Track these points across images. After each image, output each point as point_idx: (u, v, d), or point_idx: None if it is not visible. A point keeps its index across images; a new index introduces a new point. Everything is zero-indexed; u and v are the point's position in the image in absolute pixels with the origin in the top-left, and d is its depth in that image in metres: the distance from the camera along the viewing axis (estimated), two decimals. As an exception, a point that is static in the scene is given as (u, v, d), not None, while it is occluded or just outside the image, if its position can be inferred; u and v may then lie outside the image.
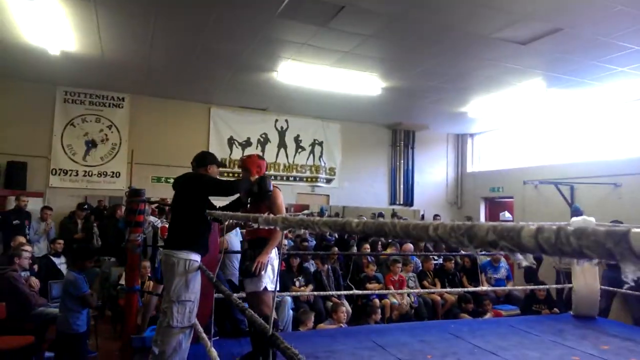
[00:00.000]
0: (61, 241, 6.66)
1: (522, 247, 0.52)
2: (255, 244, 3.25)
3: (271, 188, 3.08)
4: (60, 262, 6.59)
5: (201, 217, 2.83)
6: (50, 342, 4.98)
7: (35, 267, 5.73)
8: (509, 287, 6.94)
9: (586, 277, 5.06)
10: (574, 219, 5.38)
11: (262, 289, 3.14)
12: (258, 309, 3.14)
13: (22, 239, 5.96)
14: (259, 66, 6.72)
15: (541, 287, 6.23)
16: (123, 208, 6.69)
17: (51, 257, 6.47)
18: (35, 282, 5.32)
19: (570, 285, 5.37)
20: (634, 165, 7.64)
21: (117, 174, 8.52)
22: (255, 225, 1.49)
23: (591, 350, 4.00)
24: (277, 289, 3.41)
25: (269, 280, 3.18)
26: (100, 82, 7.95)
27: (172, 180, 3.34)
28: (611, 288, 5.34)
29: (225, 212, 2.38)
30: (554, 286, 6.07)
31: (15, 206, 7.08)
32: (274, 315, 3.44)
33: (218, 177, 3.41)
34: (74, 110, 8.31)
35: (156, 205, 7.02)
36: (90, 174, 8.37)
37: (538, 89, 7.27)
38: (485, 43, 5.51)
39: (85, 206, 7.79)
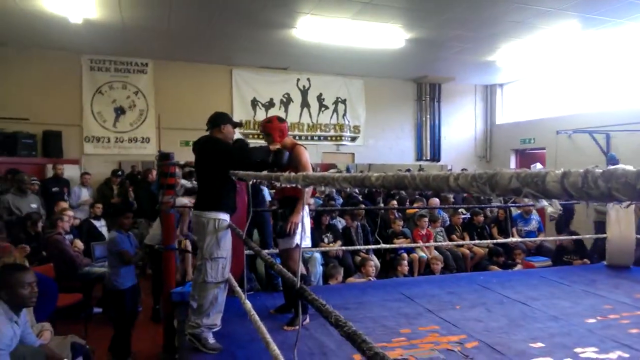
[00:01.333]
0: (100, 205, 6.95)
1: (547, 192, 0.51)
2: (285, 203, 3.34)
3: (285, 162, 3.11)
4: (101, 225, 6.90)
5: (224, 178, 2.88)
6: (98, 299, 5.34)
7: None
8: (540, 238, 6.86)
9: (621, 226, 4.93)
10: (610, 167, 5.20)
11: (294, 245, 3.24)
12: (286, 265, 3.28)
13: (64, 204, 6.25)
14: (277, 23, 6.57)
15: (573, 237, 6.12)
16: (155, 172, 6.89)
17: (92, 221, 6.79)
18: (79, 243, 5.62)
19: (604, 235, 5.26)
20: (676, 109, 7.23)
21: (147, 139, 8.71)
22: (278, 185, 1.51)
23: (624, 299, 3.97)
24: (309, 244, 3.55)
25: (300, 237, 3.26)
26: (123, 49, 7.99)
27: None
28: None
29: (248, 172, 2.42)
30: (587, 236, 5.95)
31: (54, 174, 7.38)
32: (303, 270, 3.56)
33: (240, 140, 3.43)
34: (100, 78, 8.44)
35: (186, 168, 7.18)
36: (121, 140, 8.59)
37: (572, 31, 6.85)
38: (516, -15, 5.19)
39: (119, 172, 8.04)
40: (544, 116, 9.84)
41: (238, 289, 2.75)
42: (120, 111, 8.58)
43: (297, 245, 3.25)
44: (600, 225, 5.95)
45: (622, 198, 0.44)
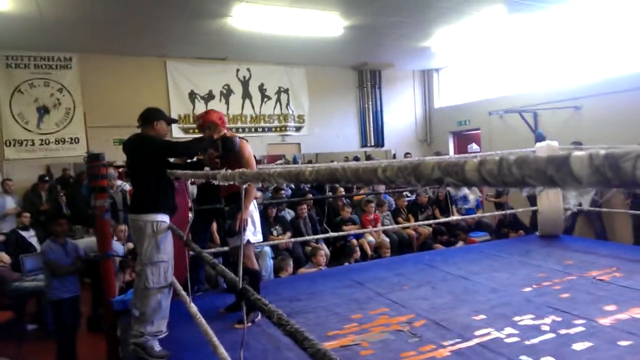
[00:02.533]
0: (27, 214, 6.45)
1: (467, 181, 0.51)
2: (231, 200, 3.24)
3: (237, 146, 3.00)
4: (30, 235, 6.42)
5: (160, 177, 2.74)
6: (33, 315, 4.98)
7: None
8: (478, 214, 7.22)
9: (550, 199, 5.28)
10: (538, 144, 5.55)
11: (245, 242, 3.16)
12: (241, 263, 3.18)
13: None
14: (211, 11, 6.34)
15: (507, 212, 6.50)
16: (88, 174, 6.49)
17: (19, 231, 6.29)
18: (5, 257, 5.20)
19: (536, 207, 5.62)
20: (593, 87, 7.82)
21: (76, 139, 8.17)
22: (216, 182, 1.45)
23: (556, 266, 4.26)
24: (260, 239, 3.48)
25: (251, 233, 3.20)
26: (43, 43, 7.39)
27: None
28: (574, 207, 5.60)
29: (185, 172, 2.31)
30: (520, 210, 6.34)
31: (-28, 183, 6.76)
32: (257, 266, 3.51)
33: (173, 139, 3.28)
34: (19, 76, 7.78)
35: (122, 168, 6.83)
36: (47, 142, 8.00)
37: (499, 15, 7.18)
38: (445, -29, 5.33)
39: (47, 177, 7.49)
40: (477, 99, 10.30)
41: (183, 292, 2.65)
42: (43, 110, 7.96)
43: (248, 242, 3.18)
44: (533, 198, 6.35)
45: (535, 184, 0.44)
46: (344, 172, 0.75)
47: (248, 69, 9.55)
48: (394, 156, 10.95)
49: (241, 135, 3.44)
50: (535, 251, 4.91)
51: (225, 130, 3.28)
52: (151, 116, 2.92)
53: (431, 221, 6.53)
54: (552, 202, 5.31)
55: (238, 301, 3.46)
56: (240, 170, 1.24)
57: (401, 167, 0.61)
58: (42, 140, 7.95)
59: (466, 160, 0.51)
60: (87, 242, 4.83)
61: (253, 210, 3.27)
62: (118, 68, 8.40)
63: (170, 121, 3.09)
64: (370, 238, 6.53)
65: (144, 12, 6.18)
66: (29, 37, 6.96)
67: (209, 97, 9.20)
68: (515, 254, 4.82)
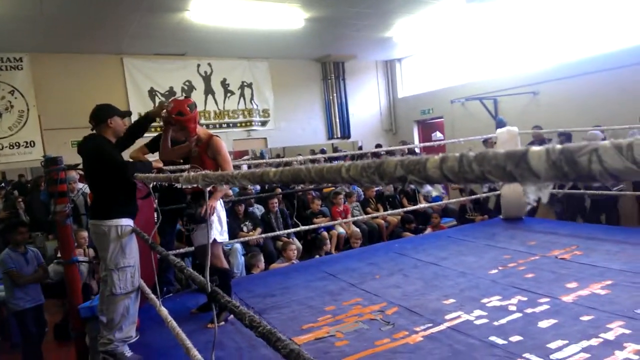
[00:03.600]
0: (-19, 223, 6.13)
1: (429, 179, 0.51)
2: (198, 197, 3.12)
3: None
4: (-14, 245, 6.11)
5: (121, 182, 2.64)
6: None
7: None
8: (444, 201, 7.38)
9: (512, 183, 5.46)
10: (499, 130, 5.71)
11: (210, 241, 3.09)
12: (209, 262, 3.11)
13: None
14: (168, 6, 6.16)
15: (472, 197, 6.67)
16: (46, 179, 6.21)
17: (-26, 242, 5.97)
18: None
19: (498, 192, 5.80)
20: (549, 73, 8.11)
21: (32, 142, 7.80)
22: (179, 185, 1.41)
23: (520, 247, 4.43)
24: (227, 239, 3.41)
25: (217, 232, 3.13)
26: (-12, 42, 6.98)
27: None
28: (532, 202, 5.81)
29: (148, 175, 2.24)
30: (484, 195, 6.53)
31: None
32: (226, 264, 3.45)
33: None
34: (-36, 78, 7.34)
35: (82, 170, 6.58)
36: (0, 147, 7.59)
37: (458, 4, 7.31)
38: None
39: (2, 183, 7.14)
40: (439, 87, 10.49)
41: (152, 296, 2.58)
42: (-6, 114, 7.56)
43: (215, 241, 3.12)
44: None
45: (495, 180, 0.45)
46: (308, 172, 0.74)
47: (209, 64, 9.35)
48: (360, 147, 11.04)
49: (214, 133, 3.33)
50: (499, 234, 5.08)
51: (200, 130, 3.17)
52: (103, 114, 2.78)
53: (399, 210, 6.62)
54: (514, 186, 5.49)
55: (209, 302, 3.41)
56: (203, 172, 1.21)
57: (364, 166, 0.60)
58: (-6, 145, 7.55)
59: (428, 158, 0.51)
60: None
61: (220, 210, 3.20)
62: (73, 67, 8.05)
63: (124, 114, 2.91)
64: (341, 229, 6.57)
65: (98, 7, 5.93)
66: (-28, 37, 6.56)
67: (170, 93, 8.97)
68: (481, 238, 4.97)
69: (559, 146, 0.41)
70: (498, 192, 5.80)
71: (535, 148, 0.42)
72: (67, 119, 7.82)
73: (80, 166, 3.49)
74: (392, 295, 3.45)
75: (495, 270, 3.79)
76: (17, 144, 7.71)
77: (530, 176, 0.43)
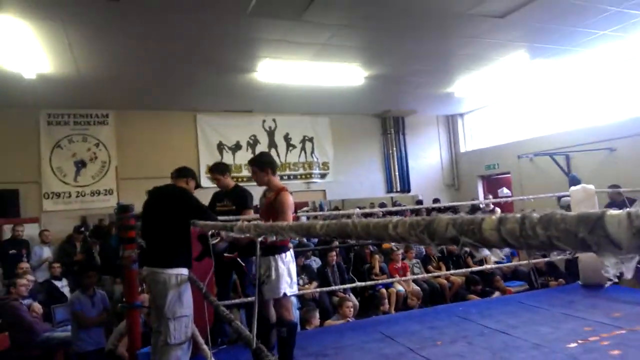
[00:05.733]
0: (57, 264, 6.55)
1: (485, 242, 0.45)
2: (269, 251, 3.09)
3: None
4: (63, 285, 6.50)
5: (186, 230, 2.75)
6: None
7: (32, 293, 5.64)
8: (514, 263, 6.87)
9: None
10: (573, 188, 5.32)
11: (281, 295, 3.04)
12: (278, 314, 3.10)
13: (25, 265, 5.91)
14: (238, 67, 6.61)
15: (545, 259, 6.16)
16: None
17: (52, 282, 6.39)
18: (37, 307, 5.23)
19: (576, 255, 5.30)
20: (627, 127, 7.57)
21: (110, 191, 8.43)
22: (232, 235, 1.41)
23: (603, 319, 3.94)
24: (296, 291, 3.36)
25: (287, 284, 3.09)
26: (82, 101, 7.84)
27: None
28: (613, 277, 5.26)
29: (206, 222, 2.30)
30: (559, 257, 6.00)
31: (11, 236, 6.99)
32: (294, 317, 3.36)
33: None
34: (59, 132, 8.21)
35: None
36: (82, 194, 8.28)
37: (521, 61, 7.18)
38: (462, 20, 5.42)
39: (82, 228, 7.69)
40: (505, 142, 10.13)
41: (204, 346, 2.56)
42: (81, 164, 8.31)
43: (285, 295, 3.07)
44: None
45: (564, 247, 0.38)
46: (354, 227, 0.69)
47: (274, 120, 9.79)
48: (420, 202, 10.76)
49: (285, 187, 3.36)
50: (578, 302, 4.58)
51: (275, 181, 3.28)
52: (188, 173, 3.12)
53: (464, 270, 6.25)
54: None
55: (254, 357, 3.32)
56: (255, 222, 1.20)
57: (413, 224, 0.55)
58: (78, 192, 8.25)
59: (484, 218, 0.45)
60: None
61: (290, 262, 3.17)
62: (150, 122, 8.78)
63: (198, 186, 3.22)
64: (400, 287, 6.29)
65: (176, 69, 6.50)
66: (68, 96, 7.40)
67: (237, 147, 9.43)
68: (557, 305, 4.51)
69: (644, 209, 0.34)
70: (575, 255, 5.31)
71: (614, 212, 0.36)
72: (141, 169, 8.43)
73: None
74: (455, 364, 3.17)
75: (575, 344, 3.38)
76: (98, 191, 8.37)
77: (608, 245, 0.36)
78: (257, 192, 4.18)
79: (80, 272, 4.51)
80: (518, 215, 0.42)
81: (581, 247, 0.37)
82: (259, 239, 1.32)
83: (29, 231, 7.40)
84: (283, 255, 3.09)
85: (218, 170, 4.36)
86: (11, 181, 7.68)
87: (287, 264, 3.10)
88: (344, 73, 7.13)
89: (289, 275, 3.12)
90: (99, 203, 8.36)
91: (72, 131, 8.31)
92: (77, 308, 3.98)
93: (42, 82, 6.38)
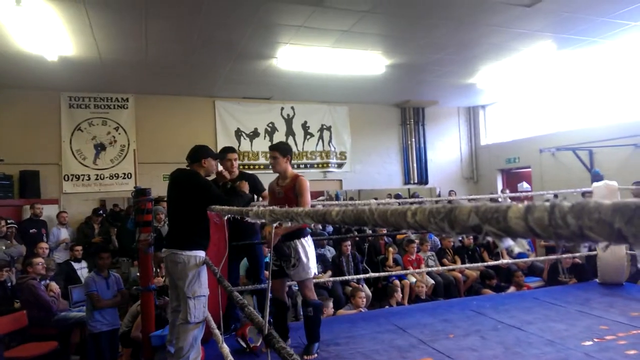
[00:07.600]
0: (79, 247, 6.71)
1: (510, 231, 0.42)
2: (289, 236, 3.27)
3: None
4: (81, 267, 6.66)
5: (203, 214, 2.78)
6: (75, 346, 5.07)
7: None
8: (531, 258, 6.77)
9: (611, 243, 4.87)
10: (595, 184, 5.19)
11: (312, 275, 3.28)
12: (303, 294, 3.32)
13: (44, 245, 6.05)
14: (258, 54, 6.58)
15: (564, 256, 6.04)
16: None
17: (71, 263, 6.55)
18: (54, 287, 5.37)
19: (594, 252, 5.19)
20: (655, 123, 7.33)
21: (129, 174, 8.55)
22: (249, 220, 1.41)
23: (620, 318, 3.86)
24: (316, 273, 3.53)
25: (314, 266, 3.32)
26: (102, 85, 7.93)
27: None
28: None
29: (223, 207, 2.31)
30: (577, 254, 5.88)
31: (31, 215, 7.16)
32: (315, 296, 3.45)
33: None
34: (80, 115, 8.33)
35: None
36: (102, 177, 8.42)
37: (548, 52, 6.97)
38: (488, 8, 5.27)
39: (100, 211, 7.84)
40: (527, 135, 9.92)
41: (216, 331, 2.59)
42: (100, 147, 8.44)
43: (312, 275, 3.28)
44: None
45: (597, 238, 0.35)
46: (371, 214, 0.67)
47: (292, 107, 9.76)
48: (439, 194, 10.65)
49: (300, 174, 3.47)
50: (595, 300, 4.49)
51: (289, 169, 3.40)
52: (200, 154, 3.05)
53: (479, 264, 6.18)
54: (614, 246, 4.89)
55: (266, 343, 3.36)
56: (270, 208, 1.19)
57: (433, 211, 0.52)
58: (97, 175, 8.39)
59: (510, 205, 0.42)
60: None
61: (308, 246, 3.31)
62: (169, 107, 8.84)
63: (216, 157, 3.21)
64: (413, 279, 6.26)
65: (196, 55, 6.51)
66: (89, 79, 7.49)
67: (254, 134, 9.44)
68: (573, 303, 4.43)
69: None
70: (594, 252, 5.19)
71: (656, 200, 0.33)
72: (161, 153, 8.53)
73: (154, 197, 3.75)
74: (467, 359, 3.14)
75: (590, 342, 3.32)
76: (117, 175, 8.50)
77: (648, 237, 0.33)
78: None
79: (94, 253, 4.60)
80: (547, 203, 0.39)
81: (616, 239, 0.34)
82: (274, 225, 1.31)
83: (48, 212, 7.57)
84: (307, 237, 3.28)
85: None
86: (32, 162, 7.85)
87: (307, 248, 3.26)
88: (365, 61, 7.03)
89: (312, 258, 3.32)
90: (118, 186, 8.50)
91: (92, 114, 8.42)
92: (92, 289, 4.07)
93: (63, 64, 6.46)
